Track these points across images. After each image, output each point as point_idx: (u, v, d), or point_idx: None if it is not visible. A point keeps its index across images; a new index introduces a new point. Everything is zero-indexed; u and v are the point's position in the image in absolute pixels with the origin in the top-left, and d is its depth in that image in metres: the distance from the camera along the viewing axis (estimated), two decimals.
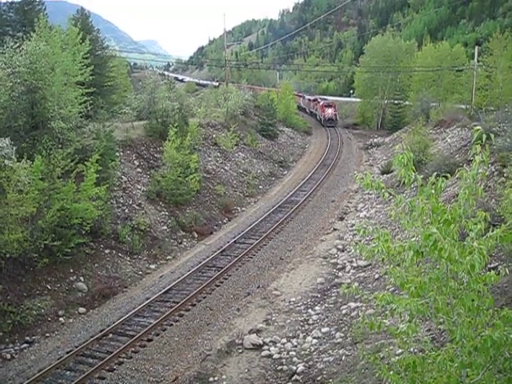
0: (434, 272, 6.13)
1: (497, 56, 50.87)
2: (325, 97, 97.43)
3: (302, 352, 16.94)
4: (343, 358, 15.53)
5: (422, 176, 6.27)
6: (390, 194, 6.64)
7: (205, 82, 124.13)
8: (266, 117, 59.95)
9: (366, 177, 6.66)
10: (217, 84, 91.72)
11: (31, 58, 25.14)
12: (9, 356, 17.92)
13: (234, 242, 29.02)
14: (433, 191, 6.03)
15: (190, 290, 22.69)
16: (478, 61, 53.73)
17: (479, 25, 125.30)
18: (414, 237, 6.50)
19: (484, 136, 5.97)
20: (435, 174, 6.21)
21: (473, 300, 6.04)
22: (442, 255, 5.66)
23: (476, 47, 58.55)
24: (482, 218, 6.03)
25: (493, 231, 6.02)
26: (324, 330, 18.31)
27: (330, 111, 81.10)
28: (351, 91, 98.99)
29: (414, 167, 6.26)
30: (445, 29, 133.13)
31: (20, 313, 19.66)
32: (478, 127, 6.09)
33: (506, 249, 15.22)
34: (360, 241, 26.30)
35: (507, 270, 6.40)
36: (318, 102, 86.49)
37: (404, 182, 6.18)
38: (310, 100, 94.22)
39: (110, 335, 19.17)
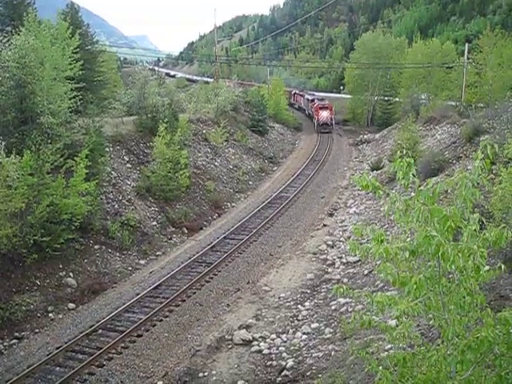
0: (428, 271, 6.16)
1: (487, 53, 51.01)
2: (323, 96, 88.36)
3: (292, 347, 16.98)
4: (332, 353, 15.58)
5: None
6: (385, 193, 6.67)
7: (195, 78, 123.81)
8: (257, 113, 59.87)
9: (362, 178, 6.68)
10: (211, 80, 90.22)
11: (20, 53, 24.97)
12: None
13: (224, 237, 29.03)
14: (431, 194, 6.05)
15: (179, 286, 22.67)
16: (468, 58, 53.85)
17: (469, 22, 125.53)
18: (405, 233, 6.51)
19: (489, 147, 6.04)
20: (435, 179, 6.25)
21: (464, 297, 6.08)
22: (444, 259, 5.70)
23: (466, 44, 58.62)
24: (477, 220, 6.08)
25: (483, 228, 6.06)
26: (313, 325, 18.36)
27: (324, 114, 72.55)
28: (341, 87, 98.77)
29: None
30: (435, 26, 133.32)
31: (9, 308, 19.58)
32: (485, 138, 6.16)
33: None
34: (349, 237, 26.42)
35: (503, 267, 6.41)
36: (314, 103, 77.89)
37: (396, 179, 6.22)
38: (308, 100, 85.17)
39: (100, 331, 19.13)
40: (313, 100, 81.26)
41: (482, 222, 6.17)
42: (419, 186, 6.14)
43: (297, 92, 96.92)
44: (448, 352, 6.22)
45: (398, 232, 21.96)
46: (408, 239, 6.31)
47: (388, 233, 23.18)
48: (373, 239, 6.46)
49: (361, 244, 6.85)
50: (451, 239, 5.94)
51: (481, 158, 6.10)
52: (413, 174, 6.25)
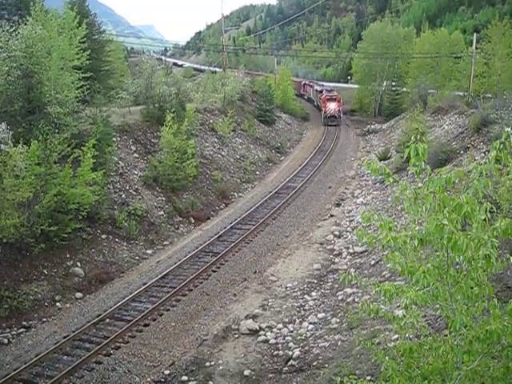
0: (436, 260, 6.13)
1: (495, 43, 50.73)
2: (332, 86, 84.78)
3: (298, 337, 17.02)
4: (339, 343, 15.60)
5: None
6: (395, 180, 6.65)
7: (202, 67, 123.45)
8: (264, 102, 59.63)
9: (372, 163, 6.66)
10: (218, 70, 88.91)
11: (27, 42, 24.93)
12: (6, 341, 17.93)
13: (231, 227, 29.04)
14: (444, 183, 6.00)
15: (186, 276, 22.72)
16: (477, 48, 53.47)
17: (478, 11, 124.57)
18: (413, 222, 6.47)
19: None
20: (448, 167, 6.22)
21: (471, 288, 6.04)
22: (455, 248, 5.66)
23: (474, 34, 58.21)
24: (488, 209, 6.02)
25: (491, 217, 6.02)
26: (320, 315, 18.39)
27: (332, 106, 69.20)
28: (349, 77, 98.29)
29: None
30: (443, 15, 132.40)
31: (17, 298, 19.66)
32: (507, 130, 6.11)
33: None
34: (356, 227, 26.37)
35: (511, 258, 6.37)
36: (322, 94, 73.71)
37: (403, 170, 6.19)
38: (317, 91, 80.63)
39: (107, 320, 19.20)
40: (321, 91, 77.45)
41: (491, 212, 6.13)
42: (430, 175, 6.09)
43: (306, 82, 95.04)
44: (455, 342, 6.21)
45: (405, 222, 21.91)
46: (417, 228, 6.27)
47: (395, 223, 23.11)
48: (380, 226, 6.43)
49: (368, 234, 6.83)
50: (460, 229, 5.91)
51: (499, 148, 6.01)
52: (424, 161, 6.21)
